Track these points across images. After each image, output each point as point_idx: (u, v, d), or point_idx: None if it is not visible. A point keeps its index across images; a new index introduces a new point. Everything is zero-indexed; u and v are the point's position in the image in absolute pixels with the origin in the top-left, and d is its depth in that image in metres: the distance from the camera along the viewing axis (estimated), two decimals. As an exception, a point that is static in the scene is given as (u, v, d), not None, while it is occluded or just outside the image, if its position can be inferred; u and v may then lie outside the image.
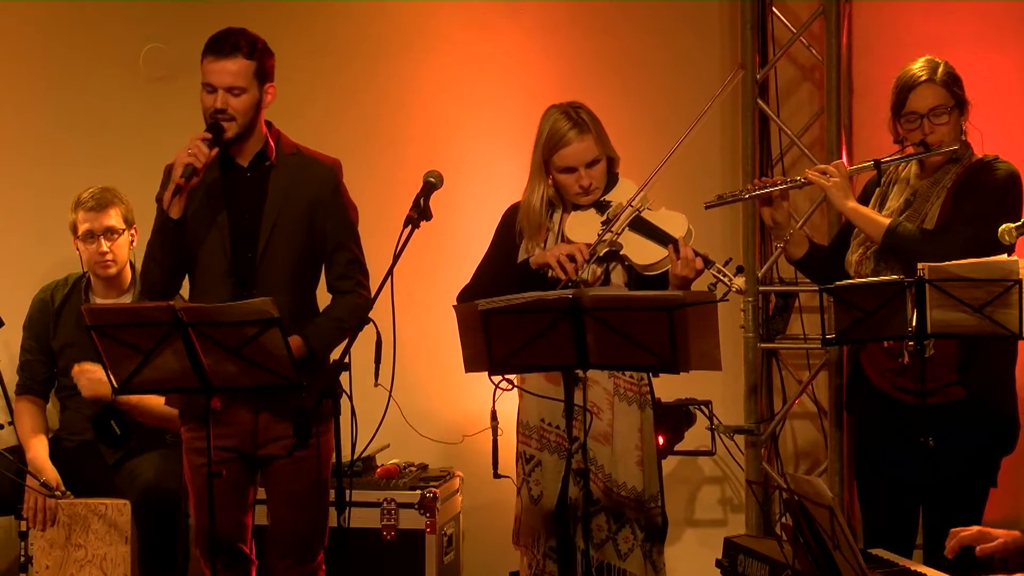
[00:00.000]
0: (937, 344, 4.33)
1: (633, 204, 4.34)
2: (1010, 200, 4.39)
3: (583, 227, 4.37)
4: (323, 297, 4.56)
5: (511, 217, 4.52)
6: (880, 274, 4.39)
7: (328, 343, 4.42)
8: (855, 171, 4.57)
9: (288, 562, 4.47)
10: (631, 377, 4.37)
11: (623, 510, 4.33)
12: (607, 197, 4.40)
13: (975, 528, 3.68)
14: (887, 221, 4.42)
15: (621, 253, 4.33)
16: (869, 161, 4.55)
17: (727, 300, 4.13)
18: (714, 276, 4.16)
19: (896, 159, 4.51)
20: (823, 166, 4.59)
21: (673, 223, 4.32)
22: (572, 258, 4.26)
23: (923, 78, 4.45)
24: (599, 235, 4.32)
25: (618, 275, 4.37)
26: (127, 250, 5.30)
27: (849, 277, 4.49)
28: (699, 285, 4.22)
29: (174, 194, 4.30)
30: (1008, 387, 4.48)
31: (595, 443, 4.33)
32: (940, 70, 4.45)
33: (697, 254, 4.21)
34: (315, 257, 4.48)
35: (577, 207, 4.42)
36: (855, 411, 4.74)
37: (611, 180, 4.43)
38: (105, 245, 5.24)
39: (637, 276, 4.32)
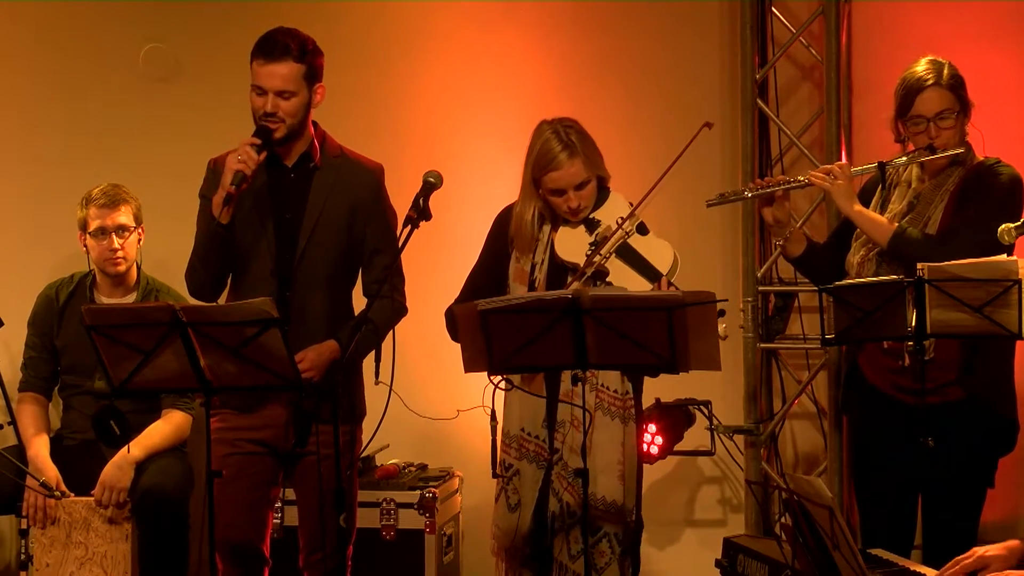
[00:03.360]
0: (938, 346, 4.33)
1: (621, 226, 4.33)
2: (1013, 204, 4.39)
3: (571, 243, 4.38)
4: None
5: (503, 222, 4.53)
6: (882, 276, 4.37)
7: (360, 346, 4.36)
8: (859, 173, 4.55)
9: (317, 557, 4.46)
10: (615, 391, 4.36)
11: (599, 523, 4.32)
12: (596, 214, 4.40)
13: (974, 555, 3.65)
14: (893, 226, 4.40)
15: (607, 279, 4.34)
16: (873, 163, 4.54)
17: None
18: None
19: (902, 162, 4.49)
20: (827, 167, 4.57)
21: (659, 254, 4.32)
22: None
23: (930, 81, 4.43)
24: (587, 256, 4.33)
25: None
26: (136, 248, 5.31)
27: (849, 277, 4.48)
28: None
29: (225, 203, 4.28)
30: (1007, 388, 4.48)
31: (575, 456, 4.30)
32: (945, 73, 4.44)
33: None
34: (353, 260, 4.49)
35: (567, 222, 4.43)
36: (853, 411, 4.73)
37: (601, 196, 4.43)
38: (116, 242, 5.25)
39: None
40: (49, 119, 6.01)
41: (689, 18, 5.85)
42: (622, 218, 4.35)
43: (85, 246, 5.32)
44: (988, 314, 4.00)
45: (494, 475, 4.41)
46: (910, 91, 4.45)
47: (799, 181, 4.56)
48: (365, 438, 4.53)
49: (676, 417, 5.33)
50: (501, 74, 5.94)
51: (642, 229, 4.38)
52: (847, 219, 4.56)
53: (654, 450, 5.27)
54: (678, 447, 5.45)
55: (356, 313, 4.49)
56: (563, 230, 4.42)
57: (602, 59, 5.88)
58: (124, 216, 5.27)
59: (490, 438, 4.34)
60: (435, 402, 5.77)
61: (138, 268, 5.37)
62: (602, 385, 4.35)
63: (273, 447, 4.41)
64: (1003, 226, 4.12)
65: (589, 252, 4.33)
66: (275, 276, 4.39)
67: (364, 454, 5.04)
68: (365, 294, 4.48)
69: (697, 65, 5.83)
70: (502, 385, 4.20)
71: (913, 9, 5.60)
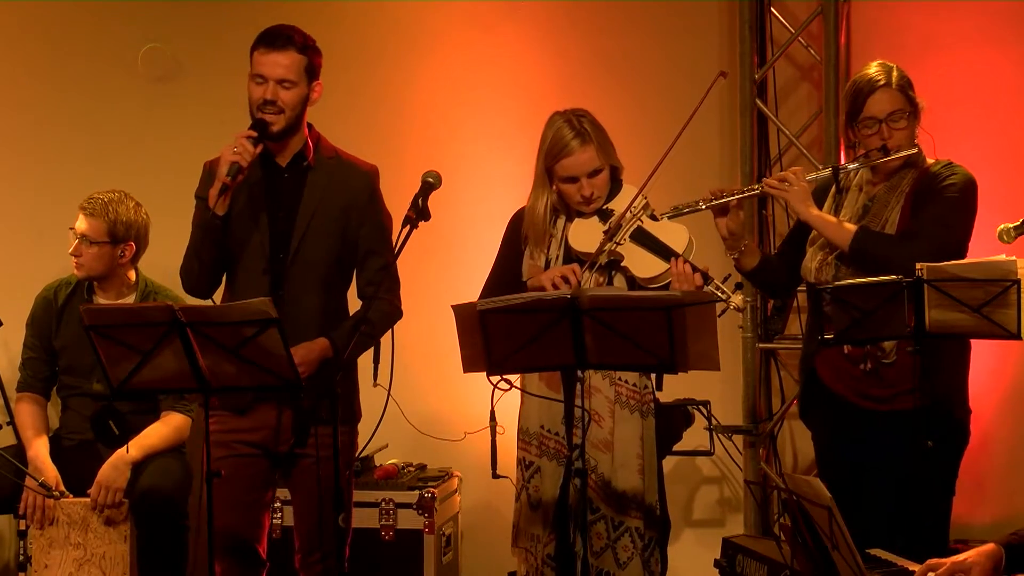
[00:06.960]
0: (899, 350, 4.31)
1: (634, 212, 4.32)
2: (970, 205, 4.38)
3: (586, 235, 4.36)
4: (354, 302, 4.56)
5: (516, 223, 4.52)
6: (841, 280, 4.34)
7: (354, 347, 4.35)
8: (813, 178, 4.52)
9: (315, 557, 4.45)
10: (633, 385, 4.36)
11: (620, 518, 4.33)
12: (610, 205, 4.39)
13: (947, 562, 3.63)
14: (854, 227, 4.38)
15: (622, 264, 4.33)
16: (827, 168, 4.53)
17: (722, 315, 4.16)
18: (712, 292, 4.16)
19: (855, 166, 4.48)
20: (781, 174, 4.54)
21: (674, 236, 4.31)
22: (566, 279, 4.26)
23: (881, 83, 4.42)
24: (600, 245, 4.32)
25: (620, 282, 4.36)
26: (104, 261, 5.24)
27: (809, 284, 4.47)
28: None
29: (221, 192, 4.28)
30: (962, 391, 4.45)
31: (595, 450, 4.32)
32: (895, 75, 4.43)
33: (696, 269, 4.20)
34: (347, 261, 4.48)
35: (580, 214, 4.42)
36: (813, 418, 4.66)
37: (614, 188, 4.41)
38: (75, 247, 5.23)
39: (639, 286, 4.32)
40: (49, 119, 6.01)
41: (688, 18, 5.86)
42: (633, 204, 4.34)
43: None
44: (987, 314, 4.00)
45: (494, 475, 4.41)
46: (860, 93, 4.44)
47: (753, 190, 4.53)
48: (363, 439, 4.53)
49: (675, 417, 5.32)
50: (501, 74, 5.94)
51: (653, 216, 4.38)
52: (798, 227, 4.56)
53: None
54: (677, 447, 5.43)
55: (350, 315, 4.49)
56: (577, 222, 4.41)
57: (601, 59, 5.88)
58: (90, 228, 5.22)
59: (489, 438, 4.35)
60: (434, 404, 5.78)
61: (136, 270, 5.37)
62: (620, 379, 4.35)
63: (266, 448, 4.41)
64: (1001, 226, 4.14)
65: (602, 241, 4.32)
66: (267, 274, 4.38)
67: (363, 454, 5.04)
68: (360, 296, 4.48)
69: (696, 65, 5.82)
70: (502, 385, 4.20)
71: (912, 9, 5.61)
